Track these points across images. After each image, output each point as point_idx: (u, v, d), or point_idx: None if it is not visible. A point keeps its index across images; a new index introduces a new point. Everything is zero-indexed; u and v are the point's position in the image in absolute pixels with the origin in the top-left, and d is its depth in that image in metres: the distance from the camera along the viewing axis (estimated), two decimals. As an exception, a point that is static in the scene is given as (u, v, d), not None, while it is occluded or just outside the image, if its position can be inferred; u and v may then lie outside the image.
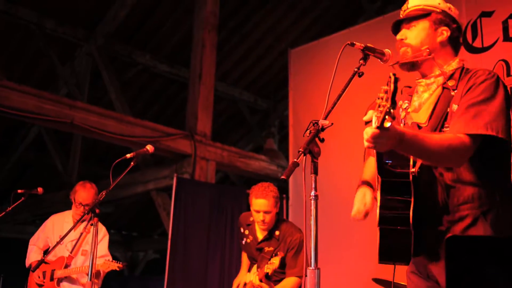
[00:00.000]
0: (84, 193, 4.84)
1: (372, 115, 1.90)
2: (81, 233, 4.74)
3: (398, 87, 1.79)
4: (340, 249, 6.18)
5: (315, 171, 1.91)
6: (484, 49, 6.43)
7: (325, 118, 2.02)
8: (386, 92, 1.81)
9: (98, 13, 9.08)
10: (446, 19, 2.45)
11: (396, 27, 2.55)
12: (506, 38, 6.27)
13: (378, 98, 1.84)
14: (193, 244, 7.00)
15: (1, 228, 10.86)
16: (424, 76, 2.46)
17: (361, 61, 2.24)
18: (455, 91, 2.29)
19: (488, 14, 6.48)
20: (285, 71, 8.09)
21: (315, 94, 7.28)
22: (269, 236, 4.25)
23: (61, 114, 6.60)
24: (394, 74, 1.78)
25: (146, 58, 9.96)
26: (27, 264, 4.94)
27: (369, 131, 1.91)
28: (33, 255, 4.94)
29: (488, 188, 2.21)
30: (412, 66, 2.43)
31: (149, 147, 3.54)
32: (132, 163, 3.38)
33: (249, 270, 4.41)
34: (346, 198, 6.77)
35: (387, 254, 2.26)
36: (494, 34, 6.35)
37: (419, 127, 2.37)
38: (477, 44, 6.50)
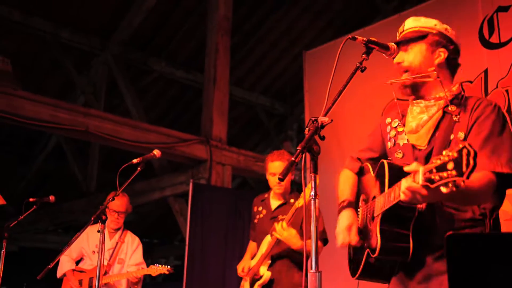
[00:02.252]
0: (116, 200, 4.90)
1: (419, 169, 1.83)
2: (117, 242, 4.85)
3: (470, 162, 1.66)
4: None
5: (315, 170, 1.83)
6: (501, 45, 6.30)
7: (325, 115, 1.95)
8: (453, 160, 1.68)
9: (112, 21, 9.14)
10: (443, 41, 2.40)
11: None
12: (524, 32, 6.14)
13: (439, 158, 1.73)
14: (211, 250, 6.96)
15: (22, 237, 10.96)
16: (421, 98, 2.40)
17: (364, 56, 2.17)
18: (458, 117, 2.27)
19: (504, 9, 6.35)
20: (301, 74, 8.02)
21: (330, 96, 7.20)
22: (284, 203, 4.28)
23: (76, 122, 6.63)
24: (470, 145, 1.66)
25: (162, 65, 9.98)
26: (59, 274, 4.98)
27: (413, 186, 1.87)
28: (66, 265, 4.97)
29: (483, 216, 2.24)
30: (414, 88, 2.39)
31: (156, 152, 3.49)
32: (139, 168, 3.34)
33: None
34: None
35: (368, 273, 2.34)
36: (511, 29, 6.22)
37: (414, 148, 2.36)
38: (494, 39, 6.37)
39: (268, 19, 9.91)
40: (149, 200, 8.52)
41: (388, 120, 2.55)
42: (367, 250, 2.28)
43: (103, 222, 3.16)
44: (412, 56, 2.37)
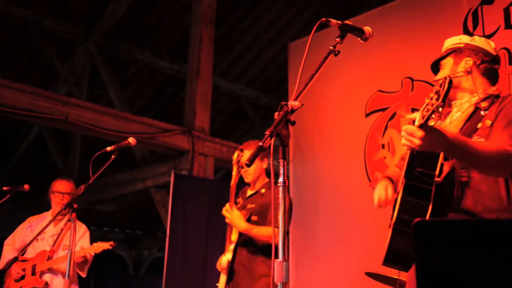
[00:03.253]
0: (61, 182, 4.92)
1: (417, 114, 1.99)
2: (62, 229, 4.74)
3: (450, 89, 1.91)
4: (340, 243, 6.08)
5: (284, 156, 1.79)
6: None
7: (296, 99, 1.90)
8: (437, 92, 1.90)
9: (96, 10, 9.01)
10: (468, 51, 2.65)
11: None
12: (508, 25, 6.14)
13: (427, 98, 1.94)
14: (192, 241, 6.91)
15: (3, 228, 10.82)
16: (462, 97, 2.60)
17: (338, 39, 2.14)
18: (487, 111, 2.43)
19: (489, 1, 6.34)
20: (286, 65, 7.97)
21: (314, 87, 7.15)
22: (255, 192, 4.23)
23: (56, 111, 6.52)
24: (449, 77, 1.89)
25: (146, 55, 9.88)
26: (0, 265, 4.86)
27: (410, 129, 1.98)
28: (8, 255, 4.87)
29: (507, 204, 2.30)
30: (454, 88, 2.56)
31: (131, 140, 3.44)
32: (113, 156, 3.27)
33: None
34: (346, 193, 6.66)
35: (393, 258, 2.31)
36: (495, 22, 6.21)
37: None
38: (478, 32, 6.36)
39: (253, 10, 9.83)
40: (131, 191, 8.44)
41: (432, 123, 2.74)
42: (390, 227, 2.31)
43: (75, 211, 3.09)
44: (445, 71, 2.65)
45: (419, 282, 1.27)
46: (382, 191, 2.49)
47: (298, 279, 6.72)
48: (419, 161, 2.21)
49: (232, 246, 4.07)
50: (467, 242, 1.23)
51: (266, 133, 1.78)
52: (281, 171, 1.80)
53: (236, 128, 11.92)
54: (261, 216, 4.01)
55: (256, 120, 11.65)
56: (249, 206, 4.14)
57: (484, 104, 2.45)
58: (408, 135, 1.97)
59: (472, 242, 1.24)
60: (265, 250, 3.99)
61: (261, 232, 3.93)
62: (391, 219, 2.35)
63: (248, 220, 4.03)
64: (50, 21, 8.85)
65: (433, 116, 1.90)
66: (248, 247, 4.04)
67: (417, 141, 1.96)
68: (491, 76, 2.62)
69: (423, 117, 1.90)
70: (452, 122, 2.52)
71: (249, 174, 4.19)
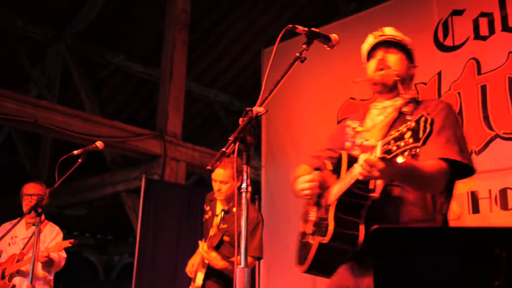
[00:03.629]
0: (29, 184, 4.89)
1: (377, 144, 1.88)
2: (34, 232, 4.65)
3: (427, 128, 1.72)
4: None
5: (247, 162, 1.78)
6: (455, 48, 6.40)
7: (261, 105, 1.90)
8: (413, 130, 1.74)
9: (69, 11, 8.91)
10: (413, 56, 2.61)
11: (372, 48, 2.61)
12: (477, 36, 6.25)
13: (396, 131, 1.81)
14: (163, 247, 6.85)
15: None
16: (384, 99, 2.54)
17: (304, 46, 2.15)
18: (412, 117, 2.32)
19: (459, 12, 6.44)
20: (260, 71, 8.01)
21: (287, 93, 7.18)
22: (227, 212, 4.20)
23: (25, 114, 6.43)
24: (429, 114, 1.74)
25: (120, 58, 9.79)
26: None
27: (371, 160, 1.89)
28: None
29: (432, 214, 2.29)
30: (384, 87, 2.50)
31: (99, 144, 3.41)
32: (79, 160, 3.23)
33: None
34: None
35: (317, 267, 2.30)
36: (465, 33, 6.32)
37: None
38: (448, 42, 6.46)
39: (229, 15, 9.84)
40: (101, 195, 8.36)
41: (349, 122, 2.67)
42: (319, 239, 2.25)
43: (39, 214, 3.04)
44: (395, 60, 2.52)
45: (377, 285, 1.28)
46: (309, 178, 2.39)
47: (270, 285, 6.72)
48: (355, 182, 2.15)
49: (204, 268, 4.12)
50: (422, 248, 1.25)
51: (230, 138, 1.77)
52: (244, 177, 1.79)
53: (209, 133, 11.89)
54: (233, 237, 4.02)
55: (229, 126, 11.63)
56: (221, 226, 4.14)
57: (406, 109, 2.42)
58: (368, 166, 1.91)
59: (426, 248, 1.26)
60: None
61: (229, 267, 4.01)
62: (314, 226, 2.36)
63: (221, 241, 4.07)
64: (21, 21, 8.72)
65: (405, 154, 1.74)
66: (216, 273, 4.08)
67: (376, 173, 1.90)
68: (412, 78, 2.62)
69: (388, 151, 1.79)
70: (375, 126, 2.47)
71: (221, 192, 4.15)
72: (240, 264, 1.70)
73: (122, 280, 13.28)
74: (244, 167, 1.78)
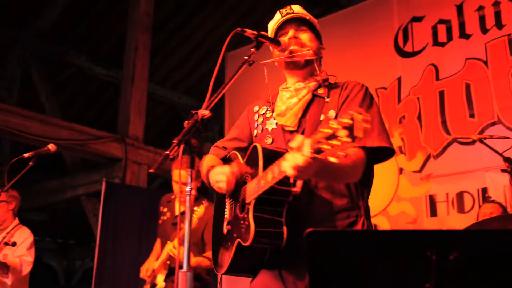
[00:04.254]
0: None
1: (303, 141, 1.73)
2: (4, 237, 4.60)
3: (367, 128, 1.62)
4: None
5: (192, 165, 1.77)
6: (414, 54, 6.51)
7: (207, 108, 1.89)
8: (349, 129, 1.60)
9: (30, 12, 8.73)
10: (321, 38, 2.51)
11: (281, 26, 2.47)
12: (436, 42, 6.37)
13: (326, 127, 1.65)
14: (123, 251, 6.77)
15: None
16: (297, 80, 2.41)
17: (253, 49, 2.13)
18: (329, 99, 2.27)
19: (418, 19, 6.56)
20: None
21: (249, 97, 7.18)
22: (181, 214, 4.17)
23: (-18, 117, 6.29)
24: (369, 122, 1.62)
25: (82, 59, 9.64)
26: None
27: (302, 159, 1.75)
28: None
29: (356, 201, 2.23)
30: (297, 67, 2.37)
31: (51, 146, 3.34)
32: (30, 163, 3.17)
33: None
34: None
35: (237, 268, 2.20)
36: (424, 39, 6.44)
37: (284, 130, 2.32)
38: (408, 48, 6.57)
39: (193, 18, 9.79)
40: (61, 199, 8.22)
41: (256, 108, 2.53)
42: (238, 240, 2.13)
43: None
44: (307, 37, 2.41)
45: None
46: (228, 171, 2.24)
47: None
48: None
49: (165, 269, 4.13)
50: (356, 251, 1.25)
51: (174, 141, 1.75)
52: (189, 180, 1.78)
53: (172, 136, 11.76)
54: (195, 236, 4.00)
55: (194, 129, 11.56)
56: (182, 225, 4.10)
57: (321, 91, 2.31)
58: (299, 167, 1.78)
59: (360, 251, 1.26)
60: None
61: (203, 263, 4.02)
62: (229, 224, 2.26)
63: None
64: (-20, 22, 8.53)
65: (339, 153, 1.63)
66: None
67: (309, 173, 1.84)
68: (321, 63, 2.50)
69: (318, 150, 1.67)
70: (288, 110, 2.32)
71: (184, 195, 4.13)
72: (184, 268, 1.69)
73: (84, 285, 13.07)
74: (189, 171, 1.76)
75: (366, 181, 2.27)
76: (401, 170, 6.22)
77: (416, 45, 6.50)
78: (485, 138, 3.67)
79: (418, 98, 6.33)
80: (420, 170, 6.06)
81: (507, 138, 4.02)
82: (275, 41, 2.23)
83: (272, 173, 1.99)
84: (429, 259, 1.15)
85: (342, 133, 1.59)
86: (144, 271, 4.30)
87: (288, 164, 1.80)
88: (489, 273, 1.15)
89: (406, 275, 1.22)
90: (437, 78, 6.25)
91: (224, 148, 2.55)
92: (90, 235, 13.22)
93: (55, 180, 8.14)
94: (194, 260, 3.95)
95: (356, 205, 2.21)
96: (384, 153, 2.21)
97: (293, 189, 2.07)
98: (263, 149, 2.17)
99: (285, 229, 2.04)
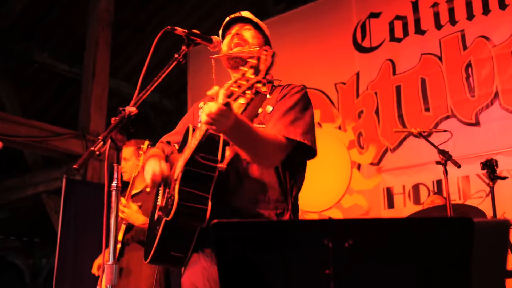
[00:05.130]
0: None
1: (219, 92, 1.80)
2: None
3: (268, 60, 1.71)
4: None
5: (118, 161, 1.81)
6: (372, 49, 6.62)
7: (134, 105, 1.92)
8: (254, 67, 1.73)
9: (-11, 8, 8.60)
10: (269, 40, 2.62)
11: (227, 26, 2.63)
12: (392, 38, 6.49)
13: (240, 72, 1.75)
14: (85, 249, 6.73)
15: None
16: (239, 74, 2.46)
17: (184, 47, 2.17)
18: (270, 96, 2.36)
19: (376, 15, 6.68)
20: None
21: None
22: (140, 192, 4.20)
23: None
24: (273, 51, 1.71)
25: (45, 56, 9.52)
26: None
27: (215, 106, 1.80)
28: None
29: (285, 193, 2.29)
30: (243, 62, 2.43)
31: (-1, 144, 3.31)
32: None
33: None
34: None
35: (164, 253, 2.18)
36: (381, 35, 6.56)
37: None
38: (366, 44, 6.68)
39: (157, 14, 9.76)
40: (22, 196, 8.14)
41: (201, 104, 2.61)
42: (164, 218, 2.13)
43: None
44: (251, 34, 2.53)
45: (221, 278, 1.33)
46: (156, 165, 2.29)
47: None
48: (200, 146, 2.05)
49: (118, 246, 3.97)
50: (261, 241, 1.30)
51: (100, 137, 1.78)
52: (115, 176, 1.81)
53: (138, 133, 11.70)
54: (147, 215, 3.94)
55: (158, 125, 11.54)
56: (134, 185, 4.10)
57: (264, 89, 2.34)
58: (210, 112, 1.83)
59: (268, 242, 1.31)
60: None
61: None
62: (160, 210, 2.25)
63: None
64: None
65: (240, 98, 1.74)
66: (132, 245, 4.00)
67: (220, 119, 1.84)
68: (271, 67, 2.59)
69: (230, 94, 1.75)
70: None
71: (125, 171, 4.18)
72: (110, 260, 1.72)
73: (50, 283, 12.92)
74: (115, 166, 1.80)
75: (296, 179, 2.36)
76: (354, 164, 6.34)
77: (374, 41, 6.62)
78: (424, 132, 3.78)
79: (376, 93, 6.44)
80: (378, 163, 6.18)
81: (446, 131, 4.13)
82: (206, 39, 2.28)
83: (194, 139, 2.05)
84: (326, 247, 1.20)
85: (249, 72, 1.71)
86: (96, 267, 4.26)
87: (203, 113, 1.86)
88: (383, 259, 1.21)
89: (307, 262, 1.27)
90: (394, 73, 6.37)
91: (168, 142, 2.60)
92: (54, 232, 13.08)
93: (15, 178, 8.05)
94: (142, 220, 3.85)
95: (285, 199, 2.28)
96: (307, 154, 2.33)
97: (219, 164, 2.11)
98: (194, 127, 2.24)
99: (209, 204, 2.06)
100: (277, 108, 2.32)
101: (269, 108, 2.33)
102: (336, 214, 6.20)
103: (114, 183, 1.80)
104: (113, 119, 1.84)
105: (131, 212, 3.87)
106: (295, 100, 2.35)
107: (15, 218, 11.44)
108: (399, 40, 6.43)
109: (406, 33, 6.39)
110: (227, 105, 1.77)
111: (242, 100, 1.72)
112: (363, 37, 6.74)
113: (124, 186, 4.17)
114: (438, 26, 6.15)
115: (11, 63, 9.30)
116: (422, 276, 1.16)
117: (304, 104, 2.36)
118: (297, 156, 2.29)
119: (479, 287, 1.16)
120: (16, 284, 12.78)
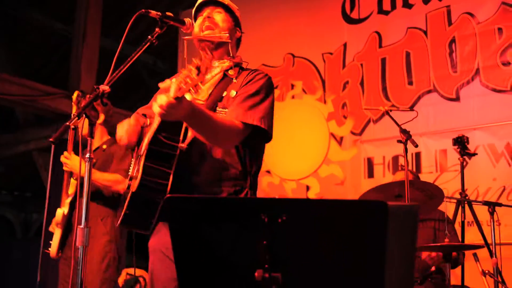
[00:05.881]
0: None
1: (171, 84, 1.96)
2: None
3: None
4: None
5: (91, 135, 1.96)
6: (360, 21, 6.70)
7: (108, 84, 2.06)
8: (198, 68, 1.94)
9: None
10: (239, 23, 2.71)
11: (199, 8, 2.69)
12: (380, 10, 6.57)
13: (187, 70, 1.96)
14: (73, 206, 6.91)
15: None
16: (210, 59, 2.61)
17: (157, 29, 2.30)
18: (236, 80, 2.51)
19: (365, -13, 6.73)
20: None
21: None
22: (96, 149, 4.25)
23: None
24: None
25: (38, 15, 9.51)
26: None
27: (165, 99, 1.96)
28: None
29: (245, 171, 2.47)
30: (211, 45, 2.58)
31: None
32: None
33: None
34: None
35: (130, 220, 2.34)
36: (369, 7, 6.63)
37: (196, 103, 2.46)
38: (354, 15, 6.76)
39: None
40: (14, 153, 8.29)
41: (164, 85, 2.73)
42: (130, 190, 2.30)
43: None
44: (221, 18, 2.62)
45: (174, 245, 1.51)
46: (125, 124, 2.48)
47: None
48: (164, 126, 2.24)
49: (68, 200, 3.99)
50: (208, 215, 1.49)
51: (74, 113, 1.94)
52: (88, 148, 1.97)
53: (131, 94, 11.79)
54: (103, 171, 4.01)
55: (152, 87, 11.56)
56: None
57: (232, 72, 2.53)
58: (162, 105, 1.97)
59: (214, 216, 1.49)
60: (103, 209, 4.05)
61: (104, 176, 3.92)
62: (130, 180, 2.40)
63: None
64: None
65: (191, 90, 1.94)
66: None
67: (170, 111, 1.98)
68: (238, 47, 2.74)
69: (180, 91, 1.93)
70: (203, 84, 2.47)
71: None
72: (82, 224, 1.90)
73: (41, 238, 13.09)
74: (89, 140, 1.96)
75: (256, 159, 2.54)
76: (332, 136, 6.51)
77: (362, 12, 6.69)
78: (391, 110, 3.94)
79: (361, 64, 6.56)
80: (360, 134, 6.35)
81: (412, 110, 4.30)
82: (179, 21, 2.40)
83: (156, 120, 2.22)
84: (263, 221, 1.39)
85: (193, 73, 1.93)
86: (54, 223, 4.20)
87: (155, 105, 2.02)
88: (309, 234, 1.40)
89: (248, 234, 1.45)
90: (380, 46, 6.48)
91: (144, 115, 2.70)
92: (45, 188, 13.12)
93: (7, 134, 8.19)
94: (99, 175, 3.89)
95: (244, 177, 2.46)
96: (265, 136, 2.49)
97: (180, 144, 2.28)
98: None
99: (170, 179, 2.24)
100: (240, 93, 2.46)
101: (233, 93, 2.47)
102: (313, 183, 6.41)
103: (87, 155, 1.96)
104: (87, 96, 1.99)
105: (74, 163, 3.86)
106: (258, 86, 2.48)
107: (8, 173, 11.61)
108: (386, 12, 6.51)
109: (394, 6, 6.46)
110: (178, 99, 1.94)
111: (188, 96, 1.92)
112: (352, 8, 6.81)
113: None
114: (425, 0, 6.23)
115: (5, 22, 9.30)
116: (341, 252, 1.34)
117: (266, 91, 2.50)
118: (255, 138, 2.44)
119: (393, 263, 1.35)
120: (7, 238, 13.02)
